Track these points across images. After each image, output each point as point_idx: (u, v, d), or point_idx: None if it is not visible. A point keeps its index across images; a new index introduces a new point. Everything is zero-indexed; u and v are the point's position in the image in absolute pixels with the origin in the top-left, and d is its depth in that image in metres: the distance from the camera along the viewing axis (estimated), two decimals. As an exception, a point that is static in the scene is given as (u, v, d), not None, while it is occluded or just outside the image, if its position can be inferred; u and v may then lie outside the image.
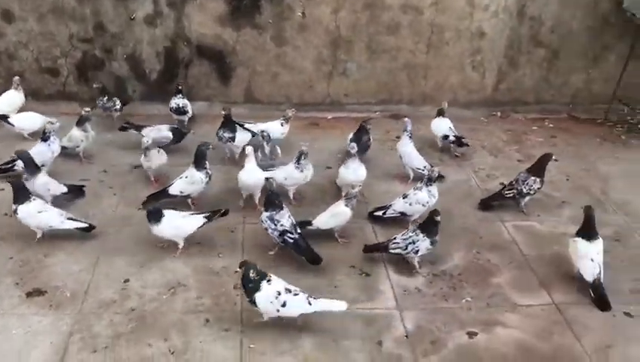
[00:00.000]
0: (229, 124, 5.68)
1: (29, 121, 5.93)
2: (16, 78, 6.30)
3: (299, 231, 4.47)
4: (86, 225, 4.65)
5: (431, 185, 4.84)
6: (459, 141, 6.07)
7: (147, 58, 6.73)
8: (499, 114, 7.22)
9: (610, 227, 5.06)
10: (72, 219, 4.65)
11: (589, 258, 4.24)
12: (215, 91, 6.93)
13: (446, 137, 6.10)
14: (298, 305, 3.74)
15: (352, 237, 4.82)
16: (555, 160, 5.28)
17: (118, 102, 6.36)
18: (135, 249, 4.58)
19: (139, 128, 5.92)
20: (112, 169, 5.68)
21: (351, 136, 5.78)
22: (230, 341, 3.78)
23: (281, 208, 4.49)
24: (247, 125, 5.93)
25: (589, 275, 4.23)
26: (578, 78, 7.19)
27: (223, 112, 5.71)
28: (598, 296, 4.18)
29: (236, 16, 6.55)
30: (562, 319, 4.07)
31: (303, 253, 4.41)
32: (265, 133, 5.48)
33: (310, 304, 3.74)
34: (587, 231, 4.32)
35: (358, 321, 3.99)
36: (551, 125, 7.05)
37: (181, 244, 4.52)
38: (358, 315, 4.04)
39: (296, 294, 3.75)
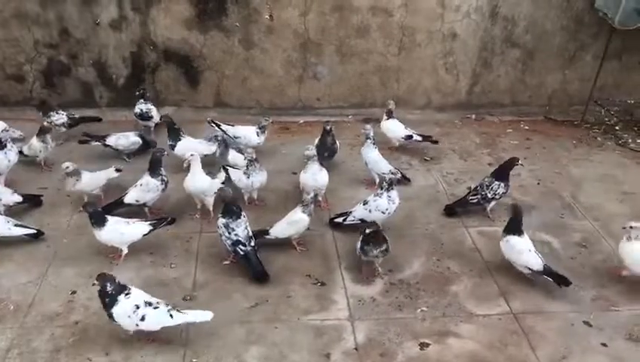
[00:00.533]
0: (172, 131, 5.58)
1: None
2: None
3: (253, 243, 4.35)
4: (34, 230, 4.57)
5: (391, 190, 4.72)
6: (427, 138, 6.04)
7: (113, 63, 6.63)
8: (473, 117, 7.10)
9: (578, 233, 4.96)
10: (20, 225, 4.56)
11: (528, 249, 4.26)
12: (184, 96, 6.83)
13: (410, 137, 6.00)
14: (158, 318, 3.62)
15: (310, 245, 4.70)
16: (521, 164, 5.17)
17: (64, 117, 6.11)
18: (87, 259, 4.48)
19: (100, 138, 5.80)
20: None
21: (316, 141, 5.67)
22: (173, 355, 3.68)
23: (239, 217, 4.38)
24: (224, 126, 5.86)
25: (537, 264, 4.20)
26: (554, 78, 7.07)
27: (162, 120, 5.68)
28: (555, 276, 4.15)
29: (203, 20, 6.46)
30: (519, 328, 3.95)
31: (251, 268, 4.30)
32: (219, 138, 5.47)
33: (172, 317, 3.62)
34: (517, 228, 4.33)
35: (309, 333, 3.89)
36: (526, 127, 6.93)
37: (124, 251, 4.41)
38: (310, 326, 3.94)
39: (156, 307, 3.63)
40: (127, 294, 3.63)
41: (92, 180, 5.03)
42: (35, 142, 5.57)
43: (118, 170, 5.17)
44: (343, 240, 4.78)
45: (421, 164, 6.04)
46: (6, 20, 6.34)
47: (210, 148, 5.54)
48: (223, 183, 4.95)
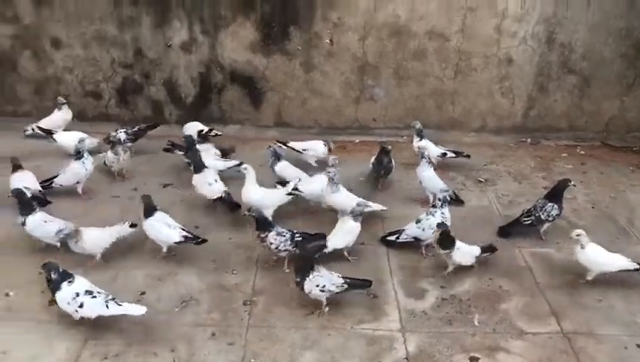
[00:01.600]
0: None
1: (71, 138, 6.27)
2: (59, 98, 6.75)
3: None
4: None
5: (444, 208, 4.86)
6: (460, 154, 6.25)
7: (183, 83, 7.07)
8: (529, 140, 7.15)
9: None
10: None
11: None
12: (247, 115, 7.19)
13: (444, 154, 6.18)
14: (95, 307, 3.89)
15: (362, 258, 4.88)
16: (573, 185, 5.20)
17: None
18: (154, 264, 4.79)
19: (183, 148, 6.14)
20: (143, 187, 5.94)
21: (372, 159, 5.88)
22: (233, 355, 3.89)
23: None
24: (290, 143, 6.21)
25: None
26: (612, 105, 7.06)
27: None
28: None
29: (267, 44, 6.83)
30: (569, 348, 3.98)
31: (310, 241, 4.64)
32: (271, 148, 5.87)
33: (108, 307, 3.88)
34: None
35: (361, 341, 4.03)
36: (582, 152, 6.94)
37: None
38: (362, 335, 4.08)
39: (94, 297, 3.90)
40: (69, 282, 3.95)
41: (97, 240, 4.71)
42: (109, 154, 6.01)
43: (132, 226, 4.74)
44: (396, 255, 4.93)
45: (475, 185, 6.14)
46: (87, 42, 6.89)
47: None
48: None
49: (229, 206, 5.35)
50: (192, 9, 6.69)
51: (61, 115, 6.76)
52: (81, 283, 4.00)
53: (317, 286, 4.13)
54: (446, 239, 4.57)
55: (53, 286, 3.95)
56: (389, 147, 5.84)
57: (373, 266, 4.80)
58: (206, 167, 5.51)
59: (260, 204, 5.06)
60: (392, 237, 5.03)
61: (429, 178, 5.57)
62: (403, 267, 4.75)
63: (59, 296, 3.94)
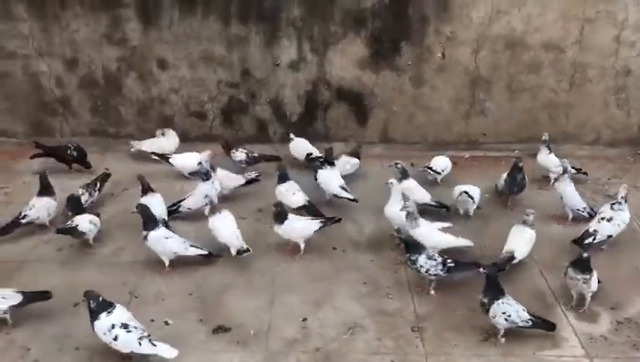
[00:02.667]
0: None
1: (189, 161, 6.21)
2: (159, 131, 6.77)
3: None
4: (206, 252, 4.86)
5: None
6: (579, 171, 6.15)
7: (289, 101, 6.98)
8: (646, 153, 6.93)
9: None
10: (194, 246, 4.86)
11: None
12: (352, 132, 7.06)
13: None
14: (128, 342, 3.77)
15: (518, 280, 4.69)
16: None
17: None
18: (307, 286, 4.67)
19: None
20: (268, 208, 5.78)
21: (504, 175, 5.72)
22: (421, 383, 3.75)
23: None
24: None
25: None
26: None
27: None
28: None
29: (376, 59, 6.72)
30: None
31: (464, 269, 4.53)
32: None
33: (140, 345, 3.75)
34: None
35: (549, 369, 3.86)
36: (700, 164, 6.69)
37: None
38: (547, 362, 3.92)
39: (129, 331, 3.77)
40: (109, 312, 3.84)
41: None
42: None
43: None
44: (552, 273, 4.73)
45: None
46: (194, 62, 6.85)
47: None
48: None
49: (313, 215, 5.32)
50: (302, 27, 6.62)
51: (168, 141, 6.73)
52: (119, 314, 3.88)
53: (503, 313, 3.95)
54: (587, 262, 4.23)
55: (93, 316, 3.85)
56: (522, 163, 5.67)
57: (531, 287, 4.63)
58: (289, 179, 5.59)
59: (400, 223, 4.94)
60: (589, 239, 4.86)
61: (572, 193, 5.39)
62: (563, 287, 4.55)
63: (96, 325, 3.83)
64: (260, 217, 5.67)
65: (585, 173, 6.22)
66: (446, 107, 6.91)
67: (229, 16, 6.61)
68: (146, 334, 3.84)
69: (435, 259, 4.50)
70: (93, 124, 7.17)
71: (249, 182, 6.01)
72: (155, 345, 3.79)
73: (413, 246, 4.57)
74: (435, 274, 4.50)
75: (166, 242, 4.76)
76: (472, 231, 5.25)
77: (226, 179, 5.91)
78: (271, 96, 6.97)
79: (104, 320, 3.83)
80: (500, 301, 3.95)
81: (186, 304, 4.49)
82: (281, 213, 4.92)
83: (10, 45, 6.85)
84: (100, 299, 3.88)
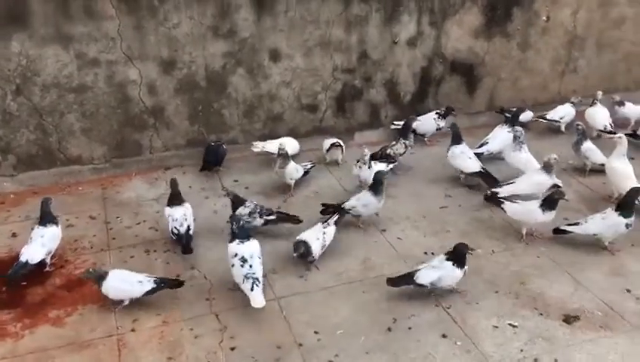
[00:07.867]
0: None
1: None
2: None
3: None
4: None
5: None
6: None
7: (403, 81, 6.63)
8: None
9: None
10: None
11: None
12: (461, 104, 6.94)
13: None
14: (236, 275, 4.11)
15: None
16: None
17: None
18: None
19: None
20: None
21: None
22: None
23: None
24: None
25: None
26: None
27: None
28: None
29: (489, 27, 6.65)
30: None
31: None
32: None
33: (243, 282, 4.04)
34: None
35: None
36: None
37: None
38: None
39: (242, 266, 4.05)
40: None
41: None
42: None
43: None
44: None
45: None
46: (310, 49, 6.14)
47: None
48: None
49: (486, 182, 5.42)
50: (423, 0, 6.27)
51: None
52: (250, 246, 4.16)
53: None
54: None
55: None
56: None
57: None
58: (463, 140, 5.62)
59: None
60: None
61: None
62: None
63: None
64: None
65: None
66: (546, 68, 7.12)
67: (350, -5, 6.03)
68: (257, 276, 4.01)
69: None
70: (191, 133, 6.10)
71: (306, 172, 5.74)
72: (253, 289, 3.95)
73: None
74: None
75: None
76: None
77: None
78: (386, 78, 6.54)
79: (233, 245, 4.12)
80: None
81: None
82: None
83: (91, 51, 5.48)
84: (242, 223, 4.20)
